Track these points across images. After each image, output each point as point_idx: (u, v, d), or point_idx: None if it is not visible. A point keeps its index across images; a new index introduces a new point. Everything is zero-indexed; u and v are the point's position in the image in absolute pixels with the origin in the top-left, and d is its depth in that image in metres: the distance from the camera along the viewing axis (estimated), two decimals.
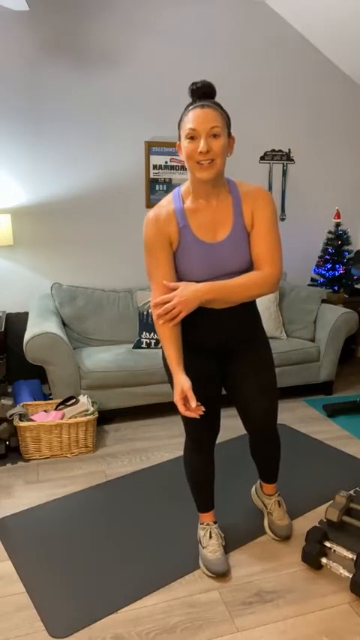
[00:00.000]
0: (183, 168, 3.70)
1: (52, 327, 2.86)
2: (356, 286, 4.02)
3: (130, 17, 3.44)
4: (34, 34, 3.28)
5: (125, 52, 3.48)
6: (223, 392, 1.85)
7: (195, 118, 1.46)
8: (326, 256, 3.87)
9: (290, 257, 4.12)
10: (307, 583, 1.78)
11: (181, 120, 1.52)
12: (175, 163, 3.70)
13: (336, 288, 3.90)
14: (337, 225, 3.90)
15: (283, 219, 4.09)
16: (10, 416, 2.67)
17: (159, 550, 1.95)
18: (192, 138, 1.48)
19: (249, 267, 1.63)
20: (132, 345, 3.36)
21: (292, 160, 4.00)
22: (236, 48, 3.70)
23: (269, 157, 3.94)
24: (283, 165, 3.99)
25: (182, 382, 1.55)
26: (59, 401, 2.85)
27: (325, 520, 2.05)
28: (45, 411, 2.84)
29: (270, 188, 3.99)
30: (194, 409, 1.54)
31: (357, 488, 2.30)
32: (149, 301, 3.37)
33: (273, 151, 3.94)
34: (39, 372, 3.32)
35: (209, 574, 1.81)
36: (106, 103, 3.50)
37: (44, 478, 2.49)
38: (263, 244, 1.58)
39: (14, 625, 1.62)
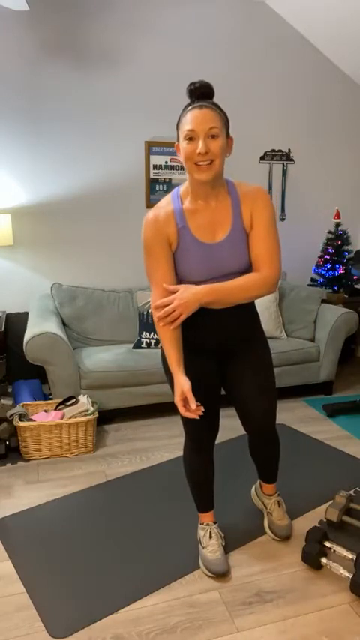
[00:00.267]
0: (183, 168, 3.70)
1: (52, 327, 2.86)
2: (356, 286, 4.02)
3: (130, 17, 3.44)
4: (34, 34, 3.28)
5: (125, 52, 3.48)
6: (223, 392, 1.85)
7: (193, 118, 1.45)
8: (326, 256, 3.87)
9: (290, 257, 4.12)
10: (307, 583, 1.78)
11: (179, 121, 1.51)
12: (175, 163, 3.70)
13: (336, 288, 3.90)
14: (337, 225, 3.90)
15: (283, 219, 4.09)
16: (10, 416, 2.67)
17: (159, 550, 1.95)
18: (190, 139, 1.47)
19: (248, 268, 1.63)
20: (132, 345, 3.36)
21: (292, 160, 4.00)
22: (236, 48, 3.70)
23: (269, 157, 3.94)
24: (283, 165, 3.99)
25: (182, 383, 1.55)
26: (59, 401, 2.85)
27: (325, 520, 2.05)
28: (45, 411, 2.84)
29: (270, 188, 3.99)
30: (194, 410, 1.54)
31: (357, 488, 2.30)
32: (149, 301, 3.37)
33: (273, 151, 3.94)
34: (39, 372, 3.32)
35: (209, 574, 1.81)
36: (106, 103, 3.50)
37: (44, 478, 2.49)
38: (262, 245, 1.58)
39: (14, 625, 1.62)
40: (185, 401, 1.56)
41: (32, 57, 3.30)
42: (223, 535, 1.94)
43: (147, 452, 2.74)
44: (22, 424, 2.59)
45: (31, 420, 2.70)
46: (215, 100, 1.57)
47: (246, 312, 1.73)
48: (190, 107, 1.48)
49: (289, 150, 3.97)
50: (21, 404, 2.86)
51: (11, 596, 1.73)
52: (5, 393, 3.27)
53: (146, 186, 3.68)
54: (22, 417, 2.67)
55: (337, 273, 3.84)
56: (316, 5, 3.42)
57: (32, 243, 3.53)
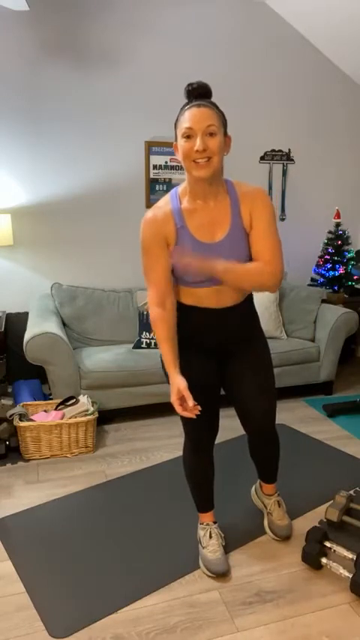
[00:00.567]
0: (182, 168, 3.69)
1: (52, 327, 2.86)
2: (356, 286, 4.02)
3: (130, 17, 3.44)
4: (34, 34, 3.28)
5: (125, 52, 3.48)
6: (222, 392, 1.85)
7: (191, 117, 1.47)
8: (326, 256, 3.87)
9: (290, 257, 4.12)
10: (307, 583, 1.78)
11: (177, 120, 1.53)
12: (174, 163, 3.70)
13: (336, 288, 3.90)
14: (337, 225, 3.90)
15: (283, 219, 4.09)
16: (10, 416, 2.67)
17: (159, 550, 1.95)
18: (188, 137, 1.48)
19: None
20: (132, 345, 3.36)
21: (292, 160, 4.00)
22: (236, 48, 3.70)
23: (269, 157, 3.94)
24: (283, 165, 3.99)
25: (178, 382, 1.56)
26: (59, 401, 2.85)
27: (325, 520, 2.05)
28: (45, 411, 2.84)
29: (270, 188, 3.99)
30: (191, 409, 1.55)
31: (357, 488, 2.30)
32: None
33: (273, 151, 3.94)
34: (39, 372, 3.32)
35: (209, 574, 1.81)
36: (106, 103, 3.50)
37: (44, 478, 2.49)
38: (263, 243, 1.58)
39: (14, 625, 1.62)
40: (182, 399, 1.56)
41: (32, 57, 3.30)
42: (223, 535, 1.94)
43: (147, 452, 2.74)
44: (22, 424, 2.59)
45: (31, 420, 2.70)
46: (215, 100, 1.58)
47: (245, 311, 1.73)
48: (187, 106, 1.50)
49: (289, 150, 3.97)
50: (21, 404, 2.86)
51: (11, 596, 1.73)
52: (5, 393, 3.27)
53: (146, 186, 3.68)
54: (22, 417, 2.67)
55: (337, 273, 3.84)
56: (316, 5, 3.42)
57: (32, 243, 3.53)
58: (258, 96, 3.82)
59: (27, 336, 2.79)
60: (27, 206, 3.47)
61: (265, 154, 3.93)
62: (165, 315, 1.63)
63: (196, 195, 1.59)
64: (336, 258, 3.85)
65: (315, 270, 3.96)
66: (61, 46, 3.35)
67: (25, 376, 3.46)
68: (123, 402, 3.04)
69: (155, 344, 3.28)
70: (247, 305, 1.74)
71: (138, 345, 3.30)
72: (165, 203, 1.62)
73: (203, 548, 1.87)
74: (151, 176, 3.68)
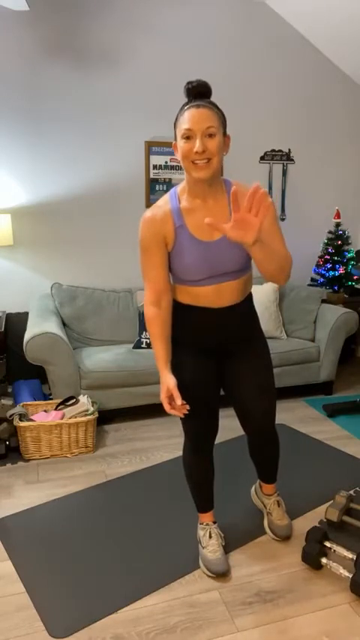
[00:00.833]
0: (182, 168, 3.70)
1: (52, 327, 2.86)
2: (356, 286, 4.02)
3: (131, 17, 3.44)
4: (34, 34, 3.28)
5: (125, 52, 3.48)
6: (222, 392, 1.85)
7: (190, 117, 1.46)
8: (326, 256, 3.87)
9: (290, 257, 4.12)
10: (307, 583, 1.78)
11: (176, 120, 1.52)
12: (174, 163, 3.70)
13: (336, 288, 3.90)
14: (337, 225, 3.90)
15: (283, 219, 4.09)
16: (10, 416, 2.67)
17: (159, 550, 1.95)
18: (188, 138, 1.48)
19: (246, 267, 1.64)
20: (132, 345, 3.36)
21: (292, 160, 4.00)
22: (236, 48, 3.70)
23: (269, 157, 3.94)
24: (283, 165, 3.99)
25: (168, 381, 1.58)
26: (59, 401, 2.85)
27: (325, 520, 2.05)
28: (45, 411, 2.84)
29: (270, 188, 3.99)
30: (179, 407, 1.57)
31: (357, 488, 2.30)
32: None
33: (273, 151, 3.94)
34: (39, 372, 3.32)
35: (209, 574, 1.81)
36: (106, 103, 3.50)
37: (44, 478, 2.49)
38: (272, 239, 1.58)
39: (14, 625, 1.62)
40: (170, 398, 1.59)
41: (32, 57, 3.30)
42: (222, 535, 1.94)
43: (147, 452, 2.74)
44: (22, 424, 2.59)
45: (31, 420, 2.70)
46: (215, 100, 1.58)
47: (245, 311, 1.73)
48: (187, 106, 1.49)
49: (289, 150, 3.97)
50: (21, 404, 2.86)
51: (11, 596, 1.73)
52: (5, 393, 3.27)
53: (146, 186, 3.68)
54: (22, 417, 2.67)
55: (337, 273, 3.84)
56: (316, 5, 3.42)
57: (32, 243, 3.53)
58: (258, 96, 3.82)
59: (27, 336, 2.79)
60: (27, 206, 3.47)
61: (265, 153, 3.93)
62: (160, 313, 1.65)
63: (195, 194, 1.59)
64: (336, 258, 3.85)
65: (315, 270, 3.96)
66: (61, 46, 3.35)
67: (25, 376, 3.46)
68: (123, 402, 3.04)
69: None
70: (246, 304, 1.74)
71: (138, 345, 3.30)
72: (164, 202, 1.63)
73: (203, 548, 1.87)
74: (151, 176, 3.68)
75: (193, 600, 1.71)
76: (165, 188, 3.71)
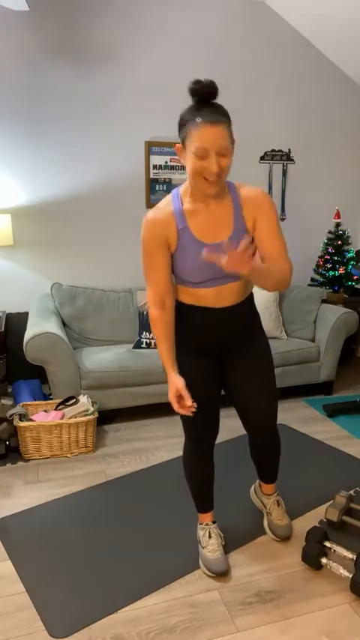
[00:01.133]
0: (183, 168, 3.70)
1: (52, 327, 2.86)
2: (356, 286, 4.02)
3: (131, 18, 3.43)
4: (34, 34, 3.28)
5: (126, 52, 3.48)
6: (223, 392, 1.85)
7: (206, 137, 1.40)
8: (326, 256, 3.87)
9: (290, 257, 4.10)
10: (307, 583, 1.78)
11: (184, 124, 1.46)
12: (175, 163, 3.69)
13: (336, 288, 3.90)
14: (337, 225, 3.90)
15: (283, 219, 4.08)
16: (10, 416, 2.67)
17: (159, 550, 1.95)
18: (201, 156, 1.43)
19: None
20: (132, 345, 3.36)
21: (292, 160, 4.00)
22: (236, 48, 3.70)
23: (269, 157, 3.94)
24: (283, 165, 3.99)
25: (176, 381, 1.60)
26: (59, 401, 2.85)
27: (325, 520, 2.04)
28: (45, 411, 2.84)
29: (270, 188, 3.99)
30: (188, 407, 1.59)
31: (357, 488, 2.30)
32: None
33: (273, 151, 3.94)
34: (39, 372, 3.32)
35: (209, 574, 1.81)
36: (106, 103, 3.50)
37: (44, 478, 2.49)
38: (270, 243, 1.58)
39: (14, 625, 1.62)
40: (179, 398, 1.60)
41: (32, 57, 3.30)
42: (222, 535, 1.94)
43: (147, 452, 2.74)
44: (22, 424, 2.59)
45: (31, 420, 2.70)
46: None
47: (246, 311, 1.73)
48: (199, 119, 1.41)
49: (289, 150, 3.97)
50: (21, 404, 2.86)
51: (11, 596, 1.73)
52: (5, 393, 3.27)
53: (146, 186, 3.68)
54: (22, 417, 2.67)
55: (337, 273, 3.84)
56: (316, 5, 3.42)
57: (32, 243, 3.53)
58: (258, 96, 3.82)
59: (27, 336, 2.79)
60: (27, 206, 3.47)
61: (265, 153, 3.93)
62: (164, 315, 1.65)
63: (198, 197, 1.59)
64: (336, 258, 3.85)
65: (315, 270, 3.95)
66: (62, 46, 3.35)
67: (25, 376, 3.46)
68: (123, 402, 3.04)
69: (155, 344, 3.28)
70: (247, 305, 1.74)
71: (138, 345, 3.30)
72: (166, 204, 1.62)
73: (203, 548, 1.87)
74: (151, 176, 3.68)
75: (193, 600, 1.71)
76: (165, 188, 3.71)
